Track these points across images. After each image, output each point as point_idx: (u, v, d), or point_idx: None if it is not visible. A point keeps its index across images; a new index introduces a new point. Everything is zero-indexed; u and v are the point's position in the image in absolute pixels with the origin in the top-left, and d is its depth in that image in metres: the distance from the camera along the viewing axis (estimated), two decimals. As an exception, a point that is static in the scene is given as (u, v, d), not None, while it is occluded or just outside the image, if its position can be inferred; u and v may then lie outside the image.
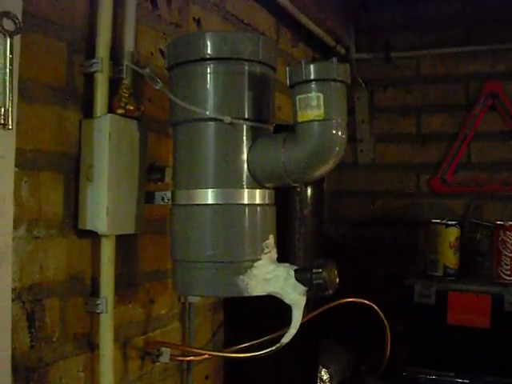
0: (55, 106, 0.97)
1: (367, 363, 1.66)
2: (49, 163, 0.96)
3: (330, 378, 1.63)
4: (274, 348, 1.01)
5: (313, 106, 0.92)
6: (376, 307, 1.36)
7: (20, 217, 0.91)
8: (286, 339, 0.99)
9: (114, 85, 1.04)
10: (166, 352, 1.19)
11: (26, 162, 0.92)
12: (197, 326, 1.37)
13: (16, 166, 0.89)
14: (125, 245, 1.12)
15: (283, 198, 1.43)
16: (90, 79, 1.02)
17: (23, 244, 0.92)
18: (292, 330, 0.99)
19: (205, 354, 1.22)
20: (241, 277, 0.97)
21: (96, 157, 0.99)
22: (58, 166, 0.98)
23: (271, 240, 1.01)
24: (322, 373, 1.62)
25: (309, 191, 1.46)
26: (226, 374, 1.48)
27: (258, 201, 1.00)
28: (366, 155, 2.16)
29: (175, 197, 1.02)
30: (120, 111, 1.01)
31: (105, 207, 0.98)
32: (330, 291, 0.96)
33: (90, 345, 1.05)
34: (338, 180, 2.19)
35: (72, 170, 1.01)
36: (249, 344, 1.27)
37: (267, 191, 1.02)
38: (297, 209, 1.43)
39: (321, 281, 0.94)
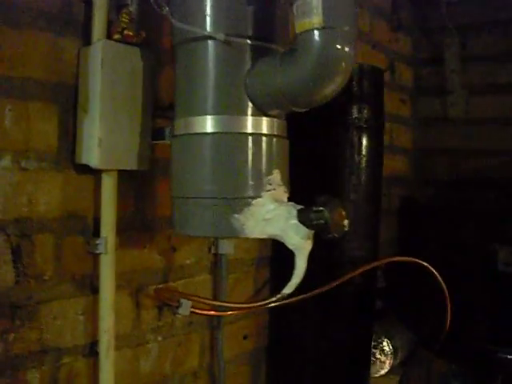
0: (48, 33, 0.91)
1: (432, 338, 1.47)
2: (41, 93, 0.91)
3: (394, 350, 1.46)
4: (274, 299, 0.89)
5: (311, 12, 0.78)
6: (433, 269, 1.18)
7: (2, 147, 0.87)
8: (287, 289, 0.87)
9: (118, 12, 0.96)
10: (186, 304, 1.10)
11: (12, 90, 0.87)
12: (233, 281, 1.27)
13: (-2, 92, 0.85)
14: (135, 184, 1.05)
15: (333, 144, 1.30)
16: (90, 6, 0.95)
17: (8, 175, 0.87)
18: (295, 280, 0.86)
19: (229, 309, 1.13)
20: (236, 216, 0.86)
21: (90, 86, 0.92)
22: (52, 97, 0.92)
23: (276, 176, 0.88)
24: (384, 343, 1.46)
25: (364, 139, 1.30)
26: (271, 335, 1.37)
27: (264, 130, 0.88)
28: (457, 109, 1.92)
29: (174, 127, 0.93)
30: (116, 36, 0.93)
31: (96, 138, 0.91)
32: (335, 234, 0.81)
33: (94, 288, 0.99)
34: (425, 137, 1.98)
35: (70, 102, 0.95)
36: (295, 299, 1.16)
37: (276, 120, 0.90)
38: (347, 155, 1.28)
39: (322, 221, 0.80)
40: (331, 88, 0.81)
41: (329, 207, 0.80)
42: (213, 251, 1.22)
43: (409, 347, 1.48)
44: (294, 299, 1.14)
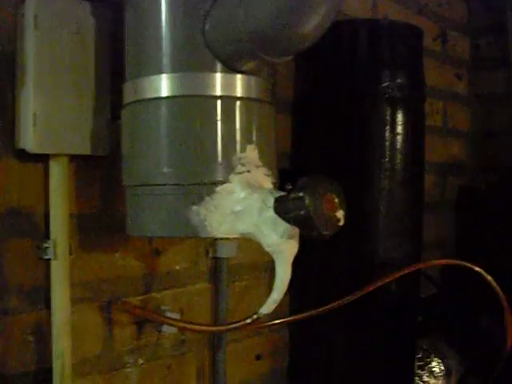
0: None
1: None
2: (-37, 61, 0.74)
3: (447, 371, 1.20)
4: (248, 321, 0.67)
5: None
6: (487, 275, 0.92)
7: None
8: (265, 309, 0.65)
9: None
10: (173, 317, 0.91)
11: None
12: (240, 290, 1.07)
13: None
14: (101, 174, 0.86)
15: (359, 120, 1.06)
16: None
17: None
18: (273, 295, 0.65)
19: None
20: (194, 208, 0.65)
21: (25, 51, 0.74)
22: (-20, 67, 0.75)
23: (251, 153, 0.67)
24: (434, 363, 1.20)
25: (399, 114, 1.06)
26: (292, 355, 1.15)
27: (238, 93, 0.67)
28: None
29: (123, 94, 0.73)
30: (54, -13, 0.74)
31: (30, 115, 0.73)
32: (323, 231, 0.59)
33: (48, 302, 0.81)
34: (486, 116, 1.69)
35: (7, 73, 0.77)
36: (315, 311, 0.94)
37: (254, 79, 0.68)
38: (375, 132, 1.04)
39: (301, 212, 0.58)
40: (312, 22, 0.58)
41: (310, 192, 0.58)
42: (211, 254, 1.01)
43: (461, 371, 1.21)
44: (309, 312, 0.95)
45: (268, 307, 0.65)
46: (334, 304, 0.95)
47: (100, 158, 0.82)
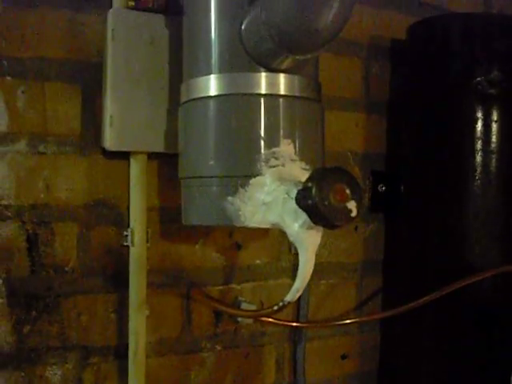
0: (65, 10, 0.86)
1: None
2: (59, 73, 0.85)
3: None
4: (275, 308, 0.69)
5: None
6: None
7: (17, 129, 0.83)
8: (289, 296, 0.67)
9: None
10: (248, 309, 0.96)
11: (25, 71, 0.84)
12: (326, 289, 1.08)
13: (9, 74, 0.82)
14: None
15: (448, 117, 1.01)
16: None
17: (21, 159, 0.84)
18: (296, 284, 0.66)
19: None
20: (229, 198, 0.69)
21: (106, 61, 0.85)
22: (72, 77, 0.86)
23: (286, 148, 0.70)
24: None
25: (494, 111, 0.99)
26: (382, 358, 1.13)
27: (278, 91, 0.71)
28: None
29: (180, 95, 0.80)
30: (130, 3, 0.84)
31: (108, 117, 0.83)
32: (334, 221, 0.59)
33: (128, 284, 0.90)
34: None
35: (95, 82, 0.88)
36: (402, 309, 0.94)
37: (297, 78, 0.71)
38: (467, 131, 0.99)
39: (309, 201, 0.59)
40: (327, 16, 0.59)
41: (318, 182, 0.59)
42: (294, 251, 1.04)
43: None
44: (394, 310, 0.94)
45: (292, 295, 0.67)
46: (420, 301, 0.93)
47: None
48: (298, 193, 0.62)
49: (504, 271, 0.95)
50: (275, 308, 0.69)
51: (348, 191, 0.60)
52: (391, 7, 1.12)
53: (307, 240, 0.64)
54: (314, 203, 0.58)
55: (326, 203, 0.58)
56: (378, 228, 1.13)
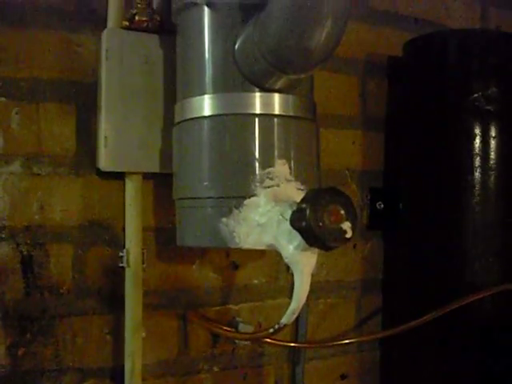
0: (60, 31, 0.86)
1: None
2: (53, 93, 0.85)
3: None
4: (271, 330, 0.68)
5: None
6: None
7: (11, 151, 0.83)
8: (285, 319, 0.66)
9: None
10: (246, 329, 0.94)
11: (19, 92, 0.83)
12: (324, 308, 1.06)
13: (3, 95, 0.82)
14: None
15: (444, 135, 1.01)
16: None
17: (15, 180, 0.83)
18: (292, 306, 0.66)
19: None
20: (224, 220, 0.68)
21: (100, 81, 0.84)
22: (67, 97, 0.86)
23: (281, 168, 0.69)
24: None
25: (492, 128, 0.99)
26: (383, 377, 1.11)
27: (276, 110, 0.70)
28: None
29: (174, 114, 0.79)
30: (124, 23, 0.84)
31: (102, 137, 0.82)
32: (328, 243, 0.59)
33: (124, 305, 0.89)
34: None
35: (90, 102, 0.88)
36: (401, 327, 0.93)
37: (291, 97, 0.71)
38: (462, 148, 0.98)
39: (303, 223, 0.59)
40: (319, 36, 0.59)
41: (312, 204, 0.58)
42: (291, 271, 1.03)
43: None
44: (394, 329, 0.93)
45: (288, 318, 0.66)
46: (420, 320, 0.92)
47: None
48: (293, 214, 0.61)
49: (504, 290, 0.94)
50: (271, 331, 0.68)
51: (342, 212, 0.59)
52: (387, 24, 1.12)
53: (302, 262, 0.63)
54: (308, 225, 0.58)
55: (321, 225, 0.58)
56: (376, 246, 1.12)
